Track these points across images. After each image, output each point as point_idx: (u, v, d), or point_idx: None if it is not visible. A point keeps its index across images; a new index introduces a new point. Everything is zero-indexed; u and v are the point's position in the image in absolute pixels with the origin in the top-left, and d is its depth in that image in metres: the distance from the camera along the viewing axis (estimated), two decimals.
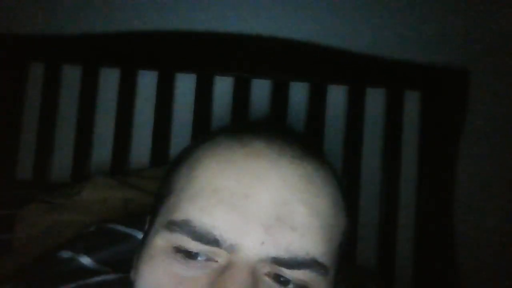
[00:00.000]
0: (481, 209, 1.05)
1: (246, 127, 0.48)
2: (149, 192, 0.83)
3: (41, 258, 0.60)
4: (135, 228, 0.60)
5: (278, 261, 0.36)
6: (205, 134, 0.48)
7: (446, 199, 1.00)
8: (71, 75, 1.03)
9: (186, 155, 0.43)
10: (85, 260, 0.56)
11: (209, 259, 0.37)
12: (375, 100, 1.04)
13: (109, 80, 1.03)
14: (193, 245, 0.37)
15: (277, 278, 0.37)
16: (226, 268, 0.36)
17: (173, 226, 0.38)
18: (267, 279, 0.37)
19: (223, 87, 1.03)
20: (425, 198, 1.01)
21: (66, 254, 0.57)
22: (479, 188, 1.05)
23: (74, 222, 0.75)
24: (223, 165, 0.39)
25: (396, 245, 1.00)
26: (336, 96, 1.04)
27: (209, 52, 1.02)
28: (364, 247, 0.99)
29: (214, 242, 0.36)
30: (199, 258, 0.37)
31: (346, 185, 0.98)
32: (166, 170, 0.46)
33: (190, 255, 0.37)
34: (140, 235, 0.59)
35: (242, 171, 0.38)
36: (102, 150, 1.02)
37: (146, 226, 0.46)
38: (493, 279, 1.02)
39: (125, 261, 0.54)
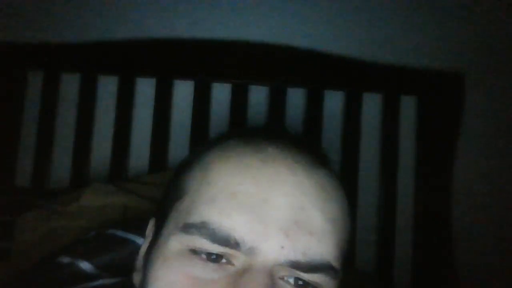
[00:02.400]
0: (479, 212, 1.05)
1: (255, 132, 0.49)
2: (148, 198, 0.83)
3: (40, 263, 0.60)
4: (134, 233, 0.60)
5: (295, 265, 0.37)
6: (213, 138, 0.48)
7: (444, 201, 1.00)
8: (70, 83, 1.04)
9: (197, 159, 0.44)
10: (85, 265, 0.56)
11: (227, 262, 0.37)
12: (371, 105, 1.05)
13: (108, 88, 1.04)
14: (211, 248, 0.37)
15: (296, 281, 0.38)
16: (244, 271, 0.36)
17: (190, 228, 0.38)
18: (282, 282, 0.38)
19: (220, 94, 1.04)
20: (423, 201, 1.01)
21: (65, 259, 0.57)
22: (476, 191, 1.05)
23: (73, 228, 0.76)
24: (240, 170, 0.40)
25: (395, 248, 1.00)
26: (333, 102, 1.04)
27: (206, 59, 1.03)
28: (363, 249, 0.99)
29: (234, 244, 0.36)
30: (221, 261, 0.37)
31: (347, 191, 0.98)
32: (174, 173, 0.46)
33: (207, 258, 0.37)
34: (139, 240, 0.59)
35: (259, 176, 0.39)
36: (100, 156, 1.02)
37: (150, 230, 0.46)
38: (493, 280, 1.03)
39: (124, 266, 0.54)
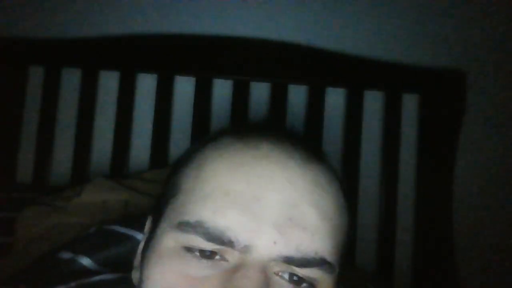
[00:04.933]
0: (480, 210, 1.05)
1: (249, 128, 0.48)
2: (148, 194, 0.83)
3: (41, 259, 0.61)
4: (134, 229, 0.60)
5: (289, 260, 0.37)
6: (208, 135, 0.48)
7: (445, 201, 1.00)
8: (71, 78, 1.04)
9: (192, 156, 0.44)
10: (85, 261, 0.56)
11: (220, 258, 0.38)
12: (373, 103, 1.04)
13: (109, 83, 1.04)
14: (206, 246, 0.37)
15: (290, 277, 0.38)
16: (238, 268, 0.37)
17: (185, 227, 0.38)
18: (277, 278, 0.38)
19: (222, 90, 1.04)
20: (424, 199, 1.01)
21: (66, 255, 0.57)
22: (477, 190, 1.05)
23: (74, 224, 0.76)
24: (232, 167, 0.40)
25: (395, 246, 1.00)
26: (335, 99, 1.04)
27: (208, 55, 1.03)
28: (363, 249, 0.99)
29: (228, 243, 0.37)
30: (216, 258, 0.37)
31: (345, 187, 0.98)
32: (169, 171, 0.46)
33: (202, 255, 0.37)
34: (139, 236, 0.59)
35: (252, 173, 0.39)
36: (101, 152, 1.02)
37: (148, 227, 0.46)
38: (493, 279, 1.03)
39: (125, 262, 0.54)
